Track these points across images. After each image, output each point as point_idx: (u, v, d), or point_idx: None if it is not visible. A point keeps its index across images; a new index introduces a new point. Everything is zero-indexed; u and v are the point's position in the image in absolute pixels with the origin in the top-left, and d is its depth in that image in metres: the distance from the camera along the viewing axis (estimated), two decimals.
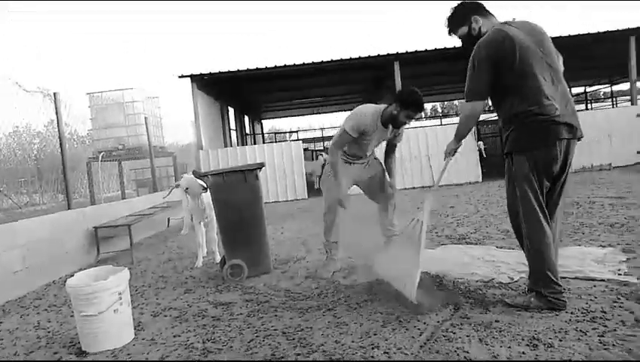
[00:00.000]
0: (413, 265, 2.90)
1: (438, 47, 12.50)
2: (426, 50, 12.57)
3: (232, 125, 17.64)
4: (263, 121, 27.26)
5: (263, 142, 24.85)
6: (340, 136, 3.70)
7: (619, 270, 3.23)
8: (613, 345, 2.14)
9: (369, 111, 3.68)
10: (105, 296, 2.80)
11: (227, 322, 3.04)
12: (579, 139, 2.69)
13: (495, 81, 2.66)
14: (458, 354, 2.21)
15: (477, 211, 6.81)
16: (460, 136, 2.95)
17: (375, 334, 2.56)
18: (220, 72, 12.45)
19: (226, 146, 14.89)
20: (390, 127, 3.69)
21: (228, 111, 16.60)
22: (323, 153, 13.35)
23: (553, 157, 2.61)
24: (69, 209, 5.89)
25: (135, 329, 3.02)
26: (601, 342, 2.18)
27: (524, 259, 3.83)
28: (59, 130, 5.92)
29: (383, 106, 3.69)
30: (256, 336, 2.73)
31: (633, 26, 12.41)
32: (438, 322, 2.64)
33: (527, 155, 2.63)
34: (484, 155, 11.76)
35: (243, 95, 17.18)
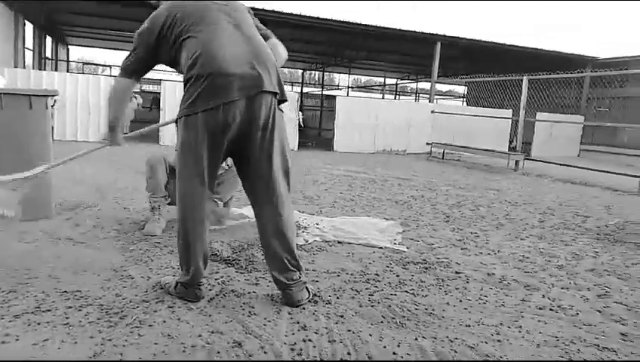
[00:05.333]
0: None
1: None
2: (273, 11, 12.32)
3: (30, 45, 14.89)
4: (70, 47, 23.75)
5: (68, 71, 21.65)
6: None
7: (395, 240, 3.71)
8: (378, 302, 2.44)
9: None
10: None
11: None
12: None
13: None
14: (243, 309, 2.24)
15: None
16: None
17: (162, 288, 2.43)
18: None
19: (16, 67, 12.49)
20: None
21: (24, 25, 13.92)
22: (137, 95, 12.23)
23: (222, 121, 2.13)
24: None
25: None
26: (369, 300, 2.45)
27: (322, 223, 4.09)
28: None
29: None
30: (20, 285, 2.35)
31: (440, 33, 14.26)
32: (229, 278, 2.64)
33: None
34: (302, 126, 12.29)
35: (47, 9, 14.57)
